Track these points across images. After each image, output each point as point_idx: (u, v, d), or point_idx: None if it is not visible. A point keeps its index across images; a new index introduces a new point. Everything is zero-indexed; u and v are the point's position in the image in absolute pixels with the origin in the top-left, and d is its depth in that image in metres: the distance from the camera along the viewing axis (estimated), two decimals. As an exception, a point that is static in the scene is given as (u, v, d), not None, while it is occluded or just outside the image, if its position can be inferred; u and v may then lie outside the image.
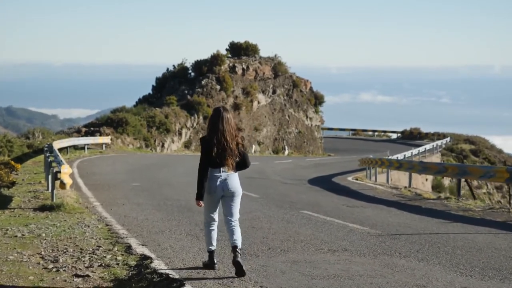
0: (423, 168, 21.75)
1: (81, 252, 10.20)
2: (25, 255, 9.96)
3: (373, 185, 24.61)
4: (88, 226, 12.76)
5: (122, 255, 9.91)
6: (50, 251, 10.34)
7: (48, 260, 9.67)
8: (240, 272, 8.18)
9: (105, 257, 9.80)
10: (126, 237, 11.41)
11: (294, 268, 8.78)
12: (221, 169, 8.28)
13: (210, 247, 8.63)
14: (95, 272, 8.91)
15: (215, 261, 8.69)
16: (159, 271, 8.59)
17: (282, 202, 17.48)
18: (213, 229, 8.64)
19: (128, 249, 10.32)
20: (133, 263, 9.33)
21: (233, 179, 8.38)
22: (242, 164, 8.45)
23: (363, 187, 23.60)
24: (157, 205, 16.40)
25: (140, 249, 10.22)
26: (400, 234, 11.92)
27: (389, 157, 29.01)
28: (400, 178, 37.19)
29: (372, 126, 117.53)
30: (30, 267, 9.20)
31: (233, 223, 8.49)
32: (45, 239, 11.32)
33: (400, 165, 24.10)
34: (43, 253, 10.17)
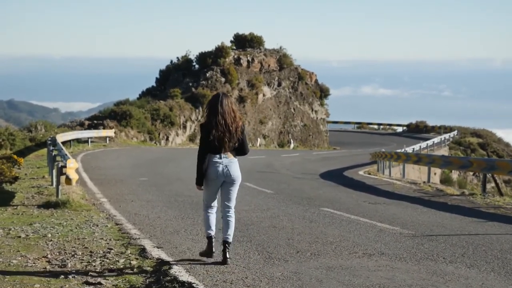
0: (445, 162, 20.75)
1: (91, 256, 9.28)
2: (30, 259, 9.04)
3: (389, 180, 23.70)
4: (97, 225, 11.85)
5: (137, 259, 9.00)
6: (57, 254, 9.43)
7: (55, 264, 8.75)
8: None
9: (117, 261, 8.88)
10: (139, 238, 10.49)
11: (331, 275, 7.86)
12: (222, 155, 8.25)
13: (209, 231, 8.50)
14: (108, 279, 7.98)
15: (214, 250, 8.52)
16: (180, 278, 7.68)
17: (299, 199, 16.58)
18: (212, 213, 8.57)
19: (143, 252, 9.41)
20: (149, 268, 8.42)
21: (235, 166, 8.36)
22: (240, 150, 8.43)
23: (379, 182, 22.68)
24: (168, 201, 15.51)
25: (155, 252, 9.30)
26: (436, 235, 11.00)
27: (406, 151, 28.07)
28: (409, 172, 36.29)
29: (375, 119, 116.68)
30: (36, 273, 8.27)
31: (230, 212, 8.49)
32: (51, 240, 10.41)
33: (418, 159, 23.14)
34: (49, 256, 9.25)
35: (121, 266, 8.58)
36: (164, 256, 9.01)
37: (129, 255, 9.25)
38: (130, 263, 8.72)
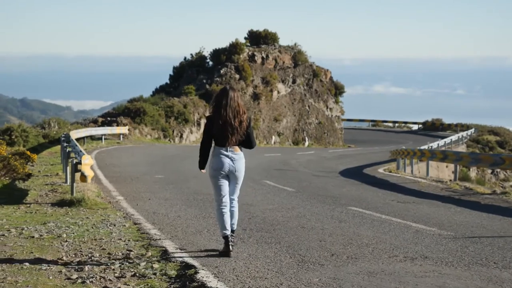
0: (475, 159, 19.90)
1: (109, 258, 8.60)
2: (44, 262, 8.37)
3: (413, 178, 22.92)
4: (114, 225, 11.18)
5: (159, 262, 8.30)
6: (73, 255, 8.76)
7: (72, 268, 8.07)
8: (227, 254, 8.41)
9: (138, 264, 8.19)
10: (160, 239, 9.80)
11: (374, 282, 7.14)
12: (228, 148, 8.27)
13: (225, 232, 8.39)
14: (129, 285, 7.31)
15: (231, 248, 8.41)
16: (208, 285, 7.00)
17: (323, 197, 15.86)
18: (225, 212, 8.45)
19: (165, 254, 8.72)
20: (173, 272, 7.72)
21: (241, 161, 8.39)
22: (246, 143, 8.43)
23: (403, 180, 21.91)
24: (187, 200, 14.83)
25: (178, 255, 8.60)
26: (479, 236, 10.24)
27: (431, 148, 27.26)
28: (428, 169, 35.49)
29: (388, 117, 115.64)
30: (51, 277, 7.60)
31: (234, 203, 8.56)
32: (66, 241, 9.74)
33: (445, 157, 22.31)
34: (65, 258, 8.57)
35: (142, 270, 7.89)
36: (188, 259, 8.31)
37: (150, 257, 8.57)
38: (152, 267, 8.03)
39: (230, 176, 8.45)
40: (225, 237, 8.39)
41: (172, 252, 8.75)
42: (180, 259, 8.34)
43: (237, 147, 8.33)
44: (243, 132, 8.29)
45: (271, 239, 9.81)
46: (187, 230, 10.57)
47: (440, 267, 7.91)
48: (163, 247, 9.16)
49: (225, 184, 8.46)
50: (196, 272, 7.57)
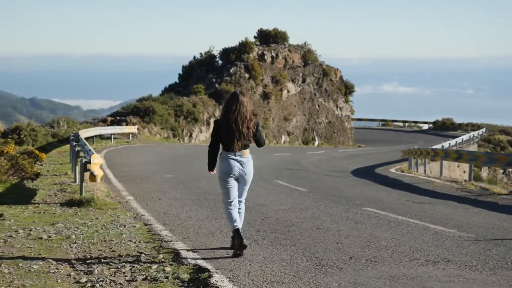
0: (490, 159, 19.52)
1: (119, 260, 8.30)
2: (52, 264, 8.09)
3: (427, 178, 22.57)
4: (124, 226, 10.89)
5: (171, 265, 8.01)
6: (82, 258, 8.47)
7: (81, 270, 7.79)
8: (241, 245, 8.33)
9: (150, 267, 7.89)
10: (171, 241, 9.51)
11: (396, 287, 6.83)
12: (237, 152, 8.28)
13: (235, 224, 8.35)
14: (140, 289, 7.03)
15: (245, 241, 8.28)
16: (223, 290, 6.70)
17: (337, 197, 15.55)
18: (233, 210, 8.45)
19: (177, 256, 8.42)
20: (186, 276, 7.43)
21: (249, 165, 8.40)
22: (256, 143, 8.54)
23: (416, 180, 21.55)
24: (197, 200, 14.55)
25: (191, 257, 8.31)
26: (501, 239, 9.90)
27: (445, 147, 26.88)
28: (439, 170, 35.14)
29: (397, 117, 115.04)
30: (59, 281, 7.32)
31: (241, 205, 8.57)
32: (75, 242, 9.46)
33: (459, 156, 21.93)
34: (73, 260, 8.29)
35: (154, 273, 7.60)
36: (201, 262, 8.02)
37: (162, 260, 8.27)
38: (163, 270, 7.74)
39: (240, 179, 8.47)
40: (236, 230, 8.34)
41: (185, 255, 8.46)
42: (193, 261, 8.05)
43: (245, 151, 8.37)
44: (250, 138, 8.36)
45: (286, 241, 9.51)
46: (199, 231, 10.28)
47: (464, 271, 7.58)
48: (175, 249, 8.87)
49: (234, 187, 8.47)
50: (209, 276, 7.28)
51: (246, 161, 8.37)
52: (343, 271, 7.59)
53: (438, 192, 17.69)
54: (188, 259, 8.18)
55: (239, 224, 8.38)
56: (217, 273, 7.42)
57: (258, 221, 11.45)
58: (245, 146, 8.35)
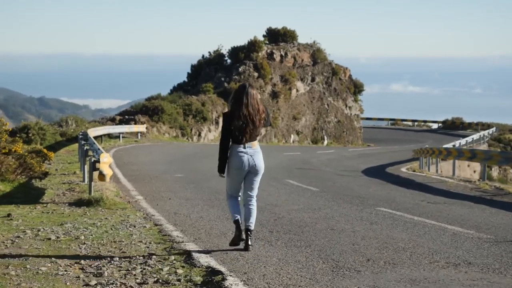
0: (505, 158, 19.16)
1: (130, 262, 8.06)
2: (61, 266, 7.86)
3: (440, 178, 22.27)
4: (134, 226, 10.65)
5: (183, 267, 7.76)
6: (92, 259, 8.23)
7: (90, 273, 7.55)
8: (248, 249, 8.37)
9: (161, 269, 7.64)
10: (183, 242, 9.26)
11: (418, 291, 6.56)
12: (246, 145, 8.20)
13: (235, 215, 8.40)
14: (152, 292, 6.78)
15: (243, 234, 8.38)
16: (238, 293, 6.45)
17: (349, 197, 15.28)
18: (236, 201, 8.52)
19: (189, 258, 8.17)
20: (198, 279, 7.18)
21: (259, 156, 8.32)
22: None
23: (429, 180, 21.25)
24: (208, 199, 14.32)
25: (204, 259, 8.05)
26: (523, 240, 9.62)
27: (459, 146, 26.55)
28: (449, 169, 34.82)
29: (407, 116, 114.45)
30: (68, 283, 7.08)
31: (252, 201, 8.44)
32: (84, 243, 9.23)
33: (473, 156, 21.59)
34: (82, 262, 8.05)
35: (166, 276, 7.35)
36: (214, 264, 7.76)
37: (174, 262, 8.03)
38: (175, 272, 7.49)
39: (251, 171, 8.34)
40: (236, 221, 8.38)
41: (197, 256, 8.20)
42: (206, 263, 7.79)
43: (254, 142, 8.30)
44: (261, 128, 8.36)
45: (300, 242, 9.25)
46: (211, 232, 10.03)
47: (487, 275, 7.30)
48: (187, 250, 8.62)
49: (241, 181, 8.46)
50: (223, 279, 7.02)
51: (255, 153, 8.31)
52: (361, 274, 7.32)
53: (452, 192, 17.39)
54: (201, 261, 7.93)
55: (239, 216, 8.38)
56: (231, 275, 7.16)
57: (271, 221, 11.20)
58: (255, 138, 8.29)
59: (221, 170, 8.44)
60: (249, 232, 8.39)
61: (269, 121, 8.47)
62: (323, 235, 9.82)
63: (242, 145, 8.23)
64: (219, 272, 7.32)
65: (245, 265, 7.72)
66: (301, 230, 10.31)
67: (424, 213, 12.54)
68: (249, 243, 8.42)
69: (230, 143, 8.33)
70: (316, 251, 8.59)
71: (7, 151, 15.39)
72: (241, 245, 8.59)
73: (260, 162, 8.33)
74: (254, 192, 8.49)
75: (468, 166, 42.61)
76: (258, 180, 8.45)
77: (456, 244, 9.14)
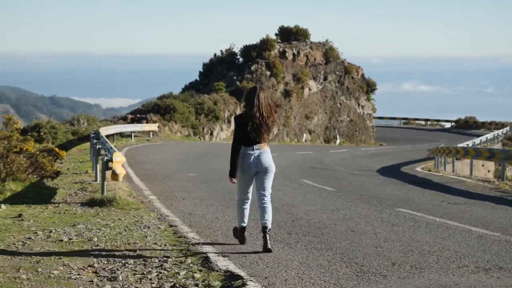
0: (525, 158, 18.84)
1: (145, 265, 7.75)
2: (73, 269, 7.56)
3: (458, 177, 21.88)
4: (148, 227, 10.35)
5: (200, 270, 7.44)
6: (105, 262, 7.93)
7: (104, 276, 7.25)
8: (268, 251, 8.28)
9: (177, 273, 7.33)
10: (199, 244, 8.94)
11: (450, 298, 6.22)
12: (254, 146, 8.24)
13: (242, 224, 8.60)
14: (169, 297, 6.47)
15: (245, 237, 8.73)
16: (260, 300, 6.12)
17: (367, 197, 14.94)
18: (246, 208, 8.57)
19: (206, 261, 7.85)
20: (217, 284, 6.87)
21: (266, 155, 8.32)
22: None
23: (446, 179, 20.87)
24: (223, 200, 14.01)
25: (222, 263, 7.73)
26: (552, 243, 9.25)
27: (473, 145, 26.14)
28: (463, 168, 34.41)
29: (418, 115, 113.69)
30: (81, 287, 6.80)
31: (265, 199, 8.38)
32: (97, 245, 8.93)
33: (492, 155, 21.20)
34: (96, 265, 7.75)
35: (183, 280, 7.04)
36: (233, 268, 7.44)
37: (191, 265, 7.71)
38: (193, 277, 7.18)
39: (259, 171, 8.34)
40: (241, 229, 8.60)
41: (214, 260, 7.88)
42: (224, 267, 7.47)
43: (263, 144, 8.31)
44: (273, 130, 8.44)
45: (320, 244, 8.92)
46: (227, 234, 9.70)
47: (521, 281, 6.95)
48: (204, 253, 8.31)
49: (250, 182, 8.48)
50: (243, 284, 6.71)
51: (264, 154, 8.30)
52: (387, 279, 6.99)
53: (471, 192, 17.02)
54: (219, 265, 7.61)
55: (245, 223, 8.61)
56: (251, 280, 6.85)
57: (288, 222, 10.88)
58: (265, 140, 8.31)
59: (232, 174, 8.44)
60: (267, 231, 8.26)
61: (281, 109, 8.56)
62: (344, 237, 9.49)
63: (251, 147, 8.26)
64: (238, 277, 7.01)
65: (265, 269, 7.41)
66: (320, 232, 9.98)
67: (445, 214, 12.18)
68: (268, 244, 8.24)
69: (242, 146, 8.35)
70: (338, 254, 8.26)
71: (18, 150, 15.12)
72: (260, 247, 8.42)
73: (266, 161, 8.30)
74: (267, 192, 8.41)
75: (483, 165, 42.10)
76: (269, 179, 8.40)
77: (483, 247, 8.78)
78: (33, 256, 8.15)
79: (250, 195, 8.52)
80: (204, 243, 8.96)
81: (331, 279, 6.96)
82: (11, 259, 7.99)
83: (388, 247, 8.72)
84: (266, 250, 8.24)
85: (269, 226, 8.30)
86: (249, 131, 8.16)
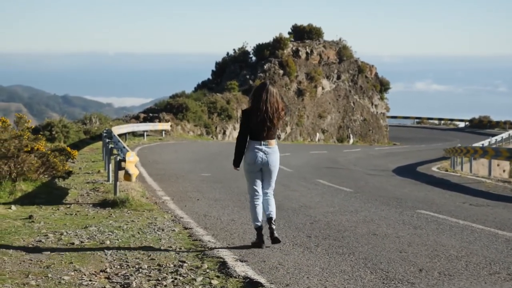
0: (548, 158, 18.39)
1: (159, 271, 7.41)
2: (85, 274, 7.23)
3: (476, 178, 21.44)
4: (163, 230, 10.01)
5: (217, 276, 7.09)
6: (118, 267, 7.60)
7: (117, 282, 6.92)
8: (276, 241, 8.38)
9: (194, 279, 6.99)
10: (215, 248, 8.59)
11: (485, 309, 5.85)
12: (262, 142, 8.25)
13: (257, 223, 8.41)
14: (185, 306, 6.12)
15: (264, 239, 8.42)
16: (282, 310, 5.77)
17: (386, 198, 14.55)
18: (258, 204, 8.46)
19: (223, 267, 7.50)
20: (236, 291, 6.51)
21: (274, 155, 8.33)
22: None
23: (465, 180, 20.44)
24: (238, 201, 13.67)
25: (240, 268, 7.38)
26: None
27: (496, 145, 25.68)
28: (478, 168, 33.96)
29: (431, 114, 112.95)
30: (93, 295, 6.46)
31: (268, 194, 8.46)
32: (110, 249, 8.59)
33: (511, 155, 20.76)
34: (108, 270, 7.42)
35: (199, 287, 6.70)
36: (252, 274, 7.09)
37: (207, 270, 7.36)
38: (210, 283, 6.83)
39: (264, 170, 8.39)
40: (257, 228, 8.39)
41: (232, 265, 7.53)
42: (243, 273, 7.12)
43: (271, 141, 8.31)
44: (279, 127, 8.48)
45: (342, 248, 8.55)
46: (244, 237, 9.35)
47: (559, 289, 6.57)
48: (221, 257, 7.95)
49: (258, 177, 8.45)
50: (264, 292, 6.35)
51: (271, 152, 8.32)
52: (415, 286, 6.61)
53: (492, 193, 16.59)
54: (237, 270, 7.26)
55: (260, 223, 8.41)
56: (271, 287, 6.50)
57: (307, 225, 10.52)
58: (272, 136, 8.31)
59: (236, 164, 8.54)
60: (272, 221, 8.37)
61: (288, 113, 8.30)
62: (366, 241, 9.11)
63: (259, 142, 8.26)
64: (258, 284, 6.67)
65: (286, 275, 7.05)
66: (341, 235, 9.61)
67: (469, 217, 11.77)
68: (275, 233, 8.36)
69: (248, 139, 8.35)
70: (361, 259, 7.89)
71: (29, 149, 14.81)
72: (267, 242, 8.50)
73: (273, 161, 8.34)
74: (271, 189, 8.51)
75: (498, 165, 41.62)
76: (273, 176, 8.47)
77: (513, 253, 8.38)
78: (43, 261, 7.82)
79: (260, 190, 8.47)
80: (220, 247, 8.62)
81: (356, 286, 6.60)
82: (20, 263, 7.67)
83: (412, 252, 8.34)
84: (274, 240, 8.35)
85: (274, 216, 8.40)
86: (254, 126, 8.20)
